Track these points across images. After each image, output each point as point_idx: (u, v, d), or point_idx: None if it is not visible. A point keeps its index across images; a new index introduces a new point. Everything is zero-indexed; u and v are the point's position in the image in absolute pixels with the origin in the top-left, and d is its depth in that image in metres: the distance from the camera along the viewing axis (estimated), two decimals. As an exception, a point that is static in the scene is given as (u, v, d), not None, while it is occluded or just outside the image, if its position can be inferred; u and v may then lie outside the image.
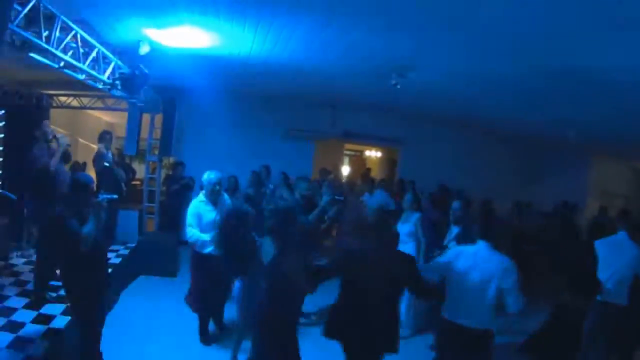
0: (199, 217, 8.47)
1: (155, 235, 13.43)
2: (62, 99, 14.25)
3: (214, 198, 8.65)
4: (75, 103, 14.41)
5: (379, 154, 23.98)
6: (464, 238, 7.95)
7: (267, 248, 6.27)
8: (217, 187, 8.63)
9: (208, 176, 8.57)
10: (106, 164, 11.57)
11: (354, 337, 5.81)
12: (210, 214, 8.52)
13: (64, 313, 8.14)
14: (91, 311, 6.26)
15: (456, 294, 6.20)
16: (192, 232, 8.33)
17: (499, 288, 5.93)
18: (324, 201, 9.59)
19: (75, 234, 5.77)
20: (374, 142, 20.91)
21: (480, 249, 6.26)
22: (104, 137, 11.93)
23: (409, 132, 17.97)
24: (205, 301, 8.57)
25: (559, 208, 15.79)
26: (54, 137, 9.10)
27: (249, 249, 6.93)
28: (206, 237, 8.22)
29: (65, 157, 9.64)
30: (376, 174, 22.20)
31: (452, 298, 6.26)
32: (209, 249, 8.24)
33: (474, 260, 6.17)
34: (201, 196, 8.65)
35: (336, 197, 9.77)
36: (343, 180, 19.51)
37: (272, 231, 6.35)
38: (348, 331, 5.84)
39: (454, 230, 9.02)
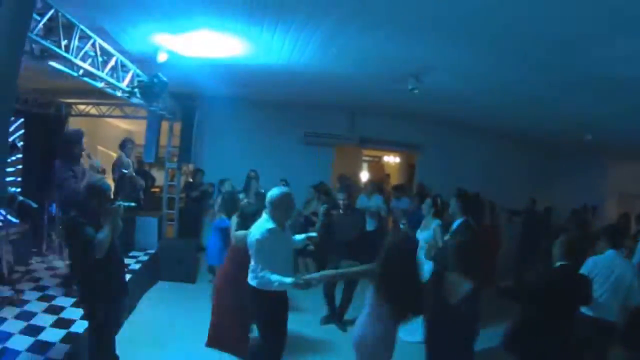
0: (274, 253, 6.60)
1: (174, 242, 13.46)
2: (81, 107, 14.33)
3: (285, 222, 6.90)
4: (94, 111, 14.51)
5: (397, 160, 23.93)
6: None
7: (454, 284, 5.98)
8: (291, 209, 7.04)
9: (278, 193, 6.72)
10: (124, 170, 11.67)
11: (534, 352, 6.27)
12: (286, 244, 6.88)
13: (84, 318, 8.26)
14: (103, 318, 6.28)
15: (602, 297, 7.13)
16: (275, 277, 6.33)
17: (631, 286, 7.14)
18: (320, 211, 9.80)
19: (90, 240, 5.83)
20: (392, 148, 20.83)
21: (611, 256, 7.40)
22: (126, 144, 12.09)
23: (427, 138, 17.94)
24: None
25: (579, 211, 15.73)
26: (88, 156, 9.17)
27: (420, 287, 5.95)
28: (289, 280, 6.26)
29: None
30: (395, 179, 22.18)
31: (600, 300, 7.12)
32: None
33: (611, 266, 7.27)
34: (268, 222, 6.62)
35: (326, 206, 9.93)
36: (362, 186, 19.45)
37: (463, 266, 6.03)
38: (528, 346, 6.32)
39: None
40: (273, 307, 6.72)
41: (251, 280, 6.66)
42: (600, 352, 7.34)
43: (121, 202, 6.49)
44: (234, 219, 8.61)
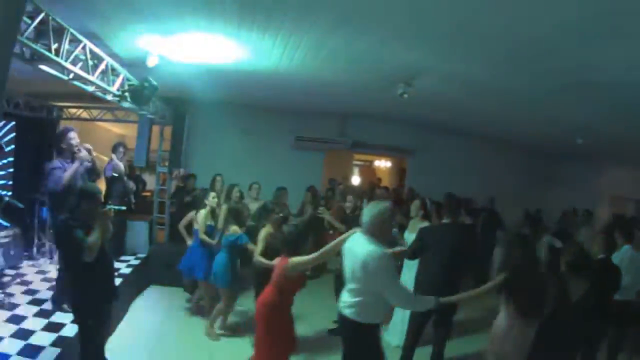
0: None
1: (165, 246, 13.45)
2: (72, 110, 14.33)
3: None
4: (85, 115, 14.50)
5: (388, 164, 24.00)
6: None
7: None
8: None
9: (381, 209, 6.04)
10: (114, 174, 11.70)
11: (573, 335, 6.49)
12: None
13: (74, 322, 8.28)
14: (93, 322, 6.27)
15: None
16: (424, 299, 6.24)
17: None
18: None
19: (80, 243, 5.80)
20: (383, 152, 20.93)
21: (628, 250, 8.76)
22: (117, 148, 12.10)
23: (418, 142, 18.04)
24: None
25: (568, 214, 15.85)
26: (79, 150, 9.05)
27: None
28: (433, 300, 6.00)
29: (94, 172, 9.67)
30: (386, 183, 22.23)
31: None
32: None
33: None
34: (372, 243, 5.80)
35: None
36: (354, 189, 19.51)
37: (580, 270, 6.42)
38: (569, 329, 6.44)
39: None
40: (376, 341, 6.15)
41: (357, 315, 5.89)
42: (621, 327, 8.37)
43: (112, 206, 6.52)
44: (263, 236, 8.62)
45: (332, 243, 6.53)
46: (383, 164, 24.39)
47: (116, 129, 19.01)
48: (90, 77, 7.53)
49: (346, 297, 6.02)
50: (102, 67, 7.91)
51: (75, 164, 8.73)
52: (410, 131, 17.54)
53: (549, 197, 18.33)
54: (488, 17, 6.17)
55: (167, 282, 11.73)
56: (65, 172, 8.55)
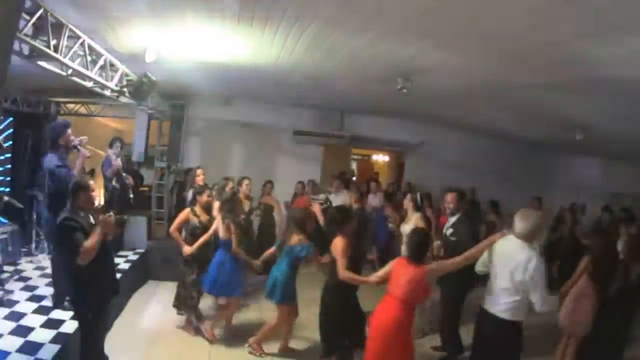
0: None
1: (164, 241, 13.40)
2: (70, 106, 14.29)
3: None
4: (83, 110, 14.47)
5: (386, 159, 23.98)
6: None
7: None
8: None
9: (538, 220, 6.47)
10: (115, 184, 11.70)
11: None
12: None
13: (73, 318, 8.26)
14: (92, 317, 6.25)
15: None
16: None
17: None
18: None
19: (77, 246, 5.80)
20: (381, 147, 21.05)
21: None
22: (114, 143, 12.04)
23: (417, 137, 18.02)
24: None
25: (565, 210, 15.89)
26: (75, 146, 8.98)
27: None
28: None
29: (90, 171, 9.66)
30: (384, 178, 22.23)
31: None
32: None
33: None
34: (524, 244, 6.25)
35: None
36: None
37: None
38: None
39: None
40: (520, 338, 6.48)
41: (512, 315, 6.24)
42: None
43: (114, 215, 6.52)
44: (343, 249, 7.43)
45: (479, 247, 6.70)
46: (381, 158, 24.37)
47: (114, 124, 18.96)
48: (89, 73, 7.56)
49: (500, 299, 6.28)
50: (100, 62, 7.95)
51: (80, 159, 8.72)
52: (409, 126, 17.54)
53: (548, 192, 18.32)
54: (487, 13, 6.16)
55: (166, 277, 11.66)
56: (70, 169, 8.50)
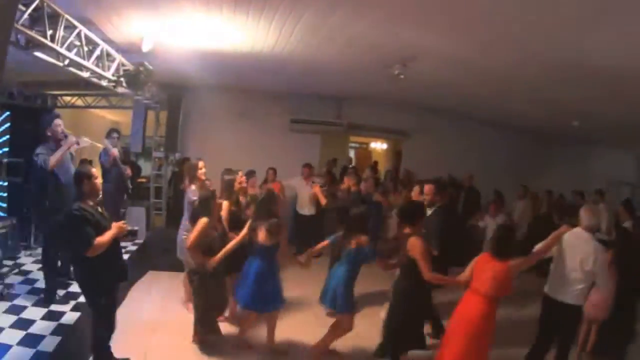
0: None
1: (163, 231, 13.40)
2: (67, 99, 14.28)
3: None
4: (79, 102, 14.46)
5: (384, 146, 23.95)
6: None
7: None
8: None
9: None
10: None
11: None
12: None
13: (74, 309, 8.27)
14: (105, 303, 6.40)
15: None
16: None
17: None
18: None
19: (88, 240, 5.89)
20: (379, 135, 20.91)
21: None
22: (111, 134, 12.00)
23: (414, 125, 18.04)
24: None
25: (544, 195, 16.19)
26: (65, 136, 8.92)
27: None
28: None
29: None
30: (382, 165, 22.22)
31: None
32: None
33: None
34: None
35: None
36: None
37: None
38: None
39: None
40: None
41: (577, 300, 7.00)
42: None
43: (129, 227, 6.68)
44: (423, 250, 6.97)
45: (548, 241, 7.14)
46: (379, 146, 24.32)
47: (110, 115, 18.96)
48: (85, 63, 7.56)
49: (569, 286, 6.95)
50: (97, 52, 7.94)
51: (64, 147, 8.62)
52: (407, 113, 17.54)
53: (544, 180, 18.35)
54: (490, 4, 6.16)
55: (166, 267, 11.58)
56: (47, 158, 8.47)
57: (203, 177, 9.72)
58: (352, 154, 24.71)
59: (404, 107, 17.03)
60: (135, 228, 7.33)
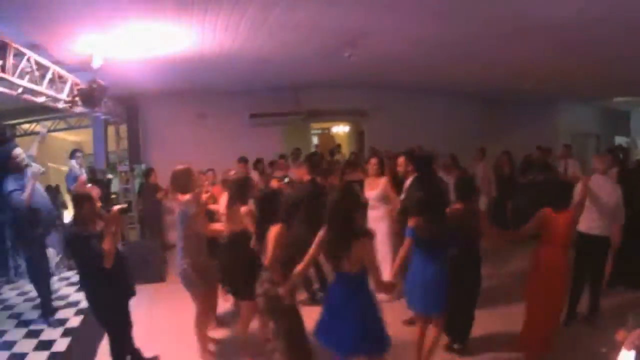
0: None
1: (138, 244, 13.34)
2: (25, 126, 14.22)
3: None
4: (39, 128, 14.36)
5: (346, 129, 24.02)
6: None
7: None
8: None
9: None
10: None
11: None
12: None
13: (64, 335, 8.36)
14: (115, 319, 6.58)
15: None
16: None
17: None
18: None
19: (98, 253, 5.98)
20: (339, 118, 21.16)
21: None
22: (75, 154, 11.94)
23: (372, 103, 18.11)
24: None
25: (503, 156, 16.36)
26: (27, 164, 8.90)
27: None
28: None
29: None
30: (346, 148, 22.29)
31: None
32: None
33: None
34: None
35: None
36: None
37: None
38: None
39: None
40: None
41: (606, 231, 8.34)
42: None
43: (116, 205, 6.65)
44: None
45: (581, 188, 7.95)
46: (341, 129, 24.39)
47: (71, 137, 18.85)
48: (39, 88, 7.50)
49: (597, 222, 8.24)
50: (49, 76, 7.87)
51: (31, 182, 8.63)
52: (364, 93, 17.66)
53: (511, 142, 18.58)
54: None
55: (146, 279, 11.55)
56: (23, 193, 8.48)
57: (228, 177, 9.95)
58: (315, 140, 24.75)
59: (360, 87, 17.15)
60: (124, 205, 7.25)
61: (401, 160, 9.33)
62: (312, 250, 5.71)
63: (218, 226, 8.13)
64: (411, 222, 6.63)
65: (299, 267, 5.77)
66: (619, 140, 23.81)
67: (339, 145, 21.33)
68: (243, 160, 13.27)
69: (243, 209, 7.35)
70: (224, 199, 8.20)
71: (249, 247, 6.78)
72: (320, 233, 5.66)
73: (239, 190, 7.70)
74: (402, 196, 9.22)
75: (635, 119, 25.14)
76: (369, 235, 5.46)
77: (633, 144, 23.35)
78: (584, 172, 11.83)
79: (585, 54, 10.79)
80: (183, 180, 7.68)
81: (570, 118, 21.29)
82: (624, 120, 25.17)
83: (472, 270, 7.25)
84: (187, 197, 7.45)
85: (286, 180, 10.62)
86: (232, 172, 10.41)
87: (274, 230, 6.11)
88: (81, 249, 6.14)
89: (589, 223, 8.19)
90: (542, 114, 20.36)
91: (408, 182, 9.21)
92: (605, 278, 9.10)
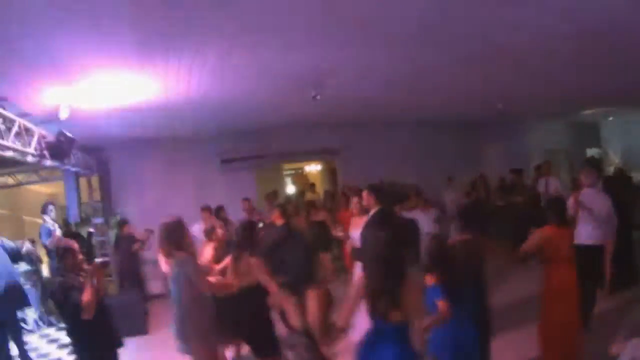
0: None
1: (118, 298, 13.16)
2: (-3, 179, 14.20)
3: None
4: (11, 181, 14.37)
5: (319, 167, 24.08)
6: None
7: None
8: None
9: None
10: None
11: None
12: None
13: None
14: None
15: None
16: None
17: None
18: None
19: (77, 304, 5.94)
20: (310, 158, 21.17)
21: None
22: (47, 208, 11.89)
23: (341, 140, 18.10)
24: None
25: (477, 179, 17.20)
26: None
27: None
28: None
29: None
30: (320, 187, 22.32)
31: None
32: None
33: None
34: None
35: None
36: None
37: None
38: None
39: None
40: None
41: (599, 240, 8.72)
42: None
43: (98, 259, 6.67)
44: None
45: (573, 202, 8.67)
46: (314, 168, 24.45)
47: (45, 189, 18.80)
48: (5, 142, 7.46)
49: (592, 232, 8.69)
50: (15, 129, 7.83)
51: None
52: (333, 131, 17.64)
53: (486, 165, 18.84)
54: (384, 4, 6.32)
55: (129, 332, 11.39)
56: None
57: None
58: (289, 180, 24.85)
59: (329, 125, 17.18)
60: (106, 259, 7.11)
61: (364, 194, 9.06)
62: (354, 298, 5.28)
63: (229, 280, 7.12)
64: (431, 280, 5.60)
65: (341, 321, 5.26)
66: (590, 152, 24.18)
67: (312, 184, 21.39)
68: (207, 209, 12.83)
69: (254, 261, 6.93)
70: (208, 250, 8.01)
71: (266, 302, 6.65)
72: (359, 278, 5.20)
73: (247, 236, 7.31)
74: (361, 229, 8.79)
75: (605, 130, 25.51)
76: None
77: (605, 154, 23.77)
78: (563, 188, 12.97)
79: (547, 72, 10.93)
80: (177, 235, 6.63)
81: (541, 135, 21.61)
82: (594, 132, 25.52)
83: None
84: (183, 254, 6.50)
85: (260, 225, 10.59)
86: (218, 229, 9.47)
87: (315, 295, 5.90)
88: (63, 300, 6.16)
89: (586, 235, 8.63)
90: (512, 135, 20.61)
91: (370, 213, 8.85)
92: (607, 285, 9.34)
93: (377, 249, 5.09)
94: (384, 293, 4.79)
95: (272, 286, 6.53)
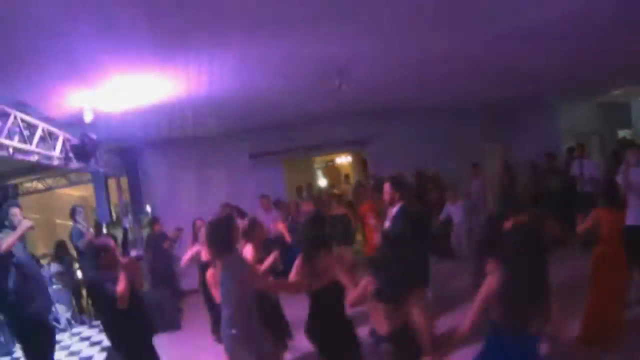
0: None
1: (150, 294, 13.25)
2: (27, 184, 14.29)
3: None
4: (40, 186, 14.47)
5: (349, 159, 23.96)
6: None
7: None
8: None
9: None
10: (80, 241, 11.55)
11: None
12: None
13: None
14: (147, 355, 6.77)
15: None
16: None
17: None
18: None
19: (111, 295, 6.12)
20: (340, 149, 20.98)
21: None
22: (75, 211, 11.92)
23: (370, 131, 17.99)
24: None
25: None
26: (19, 222, 8.63)
27: None
28: None
29: None
30: (353, 178, 22.24)
31: None
32: None
33: None
34: None
35: None
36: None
37: None
38: None
39: None
40: None
41: None
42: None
43: (133, 253, 6.80)
44: None
45: (624, 182, 8.83)
46: (345, 159, 24.35)
47: (77, 192, 18.94)
48: (30, 148, 7.48)
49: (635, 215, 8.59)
50: (39, 134, 7.85)
51: (18, 231, 8.26)
52: (361, 122, 17.50)
53: (516, 149, 18.67)
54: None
55: (162, 328, 11.41)
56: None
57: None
58: (320, 173, 24.80)
59: (357, 116, 17.04)
60: (140, 253, 7.15)
61: (386, 187, 8.76)
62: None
63: (299, 280, 6.31)
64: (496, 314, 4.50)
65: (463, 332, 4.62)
66: (622, 133, 23.77)
67: (347, 176, 21.33)
68: (227, 207, 12.54)
69: (330, 258, 6.27)
70: (247, 251, 7.34)
71: (344, 305, 6.00)
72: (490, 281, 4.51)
73: (318, 233, 6.55)
74: (387, 224, 8.63)
75: (636, 110, 25.03)
76: None
77: (636, 135, 23.36)
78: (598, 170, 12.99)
79: (577, 48, 10.75)
80: (224, 234, 6.18)
81: (571, 118, 21.20)
82: (625, 113, 24.94)
83: None
84: (233, 256, 6.19)
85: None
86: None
87: (418, 300, 5.45)
88: (97, 292, 6.46)
89: (636, 215, 8.51)
90: (542, 118, 20.18)
91: (394, 209, 8.60)
92: None
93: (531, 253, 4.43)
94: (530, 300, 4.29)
95: (355, 287, 5.62)
